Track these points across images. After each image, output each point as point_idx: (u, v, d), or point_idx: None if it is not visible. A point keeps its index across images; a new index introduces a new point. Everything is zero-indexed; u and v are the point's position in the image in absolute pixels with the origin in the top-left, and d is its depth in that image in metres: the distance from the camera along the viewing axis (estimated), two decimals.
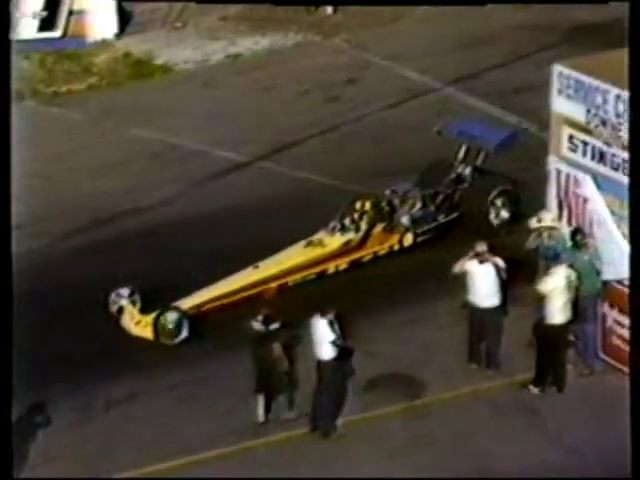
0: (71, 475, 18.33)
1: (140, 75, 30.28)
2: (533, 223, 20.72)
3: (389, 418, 19.49)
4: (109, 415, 19.78)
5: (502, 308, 20.34)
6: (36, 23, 30.98)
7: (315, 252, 22.49)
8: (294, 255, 22.49)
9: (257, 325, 19.64)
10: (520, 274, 20.60)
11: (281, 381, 19.46)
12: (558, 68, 20.63)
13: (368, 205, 22.82)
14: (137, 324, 21.17)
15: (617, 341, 20.19)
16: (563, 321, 19.75)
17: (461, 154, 23.75)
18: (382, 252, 22.96)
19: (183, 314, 21.33)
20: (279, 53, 31.07)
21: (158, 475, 18.50)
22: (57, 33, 31.18)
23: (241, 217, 24.17)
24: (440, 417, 19.55)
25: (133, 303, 21.51)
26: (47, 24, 30.90)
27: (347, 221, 22.75)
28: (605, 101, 19.90)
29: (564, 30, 29.31)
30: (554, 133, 20.67)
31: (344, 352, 19.22)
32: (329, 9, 32.47)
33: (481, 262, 19.92)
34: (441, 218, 23.35)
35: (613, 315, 20.21)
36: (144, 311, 21.27)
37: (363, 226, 22.73)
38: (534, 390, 19.86)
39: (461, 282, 20.42)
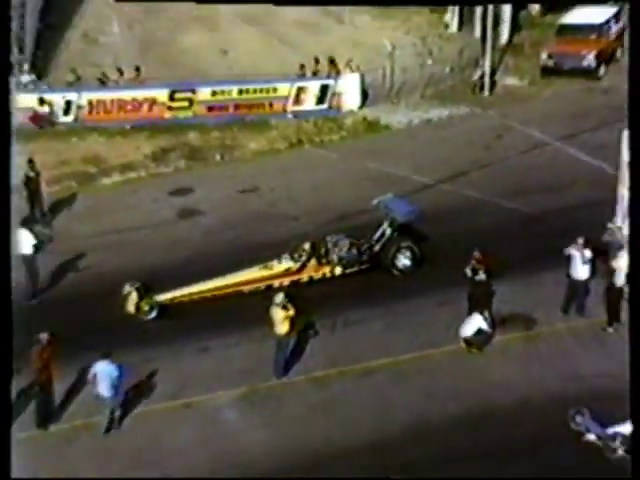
0: None
1: (371, 131, 30.37)
2: (613, 225, 20.74)
3: (514, 340, 19.67)
4: (344, 331, 20.33)
5: (589, 280, 20.20)
6: (314, 99, 31.29)
7: (264, 273, 21.43)
8: (251, 272, 21.41)
9: (479, 277, 19.81)
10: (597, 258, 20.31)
11: (477, 305, 19.64)
12: (626, 132, 20.10)
13: (307, 246, 21.65)
14: (132, 305, 20.66)
15: None
16: (622, 284, 19.54)
17: (387, 219, 22.43)
18: (317, 277, 21.77)
19: (156, 302, 20.69)
20: (454, 119, 30.78)
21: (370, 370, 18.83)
22: (325, 106, 31.19)
23: (434, 221, 23.29)
24: (547, 337, 19.67)
25: (138, 291, 20.68)
26: (320, 100, 31.15)
27: (296, 255, 21.66)
28: None
29: None
30: (623, 171, 20.48)
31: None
32: (486, 92, 31.95)
33: (579, 250, 19.93)
34: (364, 259, 22.03)
35: None
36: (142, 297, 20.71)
37: (302, 259, 21.62)
38: (609, 329, 19.70)
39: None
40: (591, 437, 16.54)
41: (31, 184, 24.92)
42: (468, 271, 20.07)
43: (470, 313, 19.71)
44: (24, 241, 21.55)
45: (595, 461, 16.22)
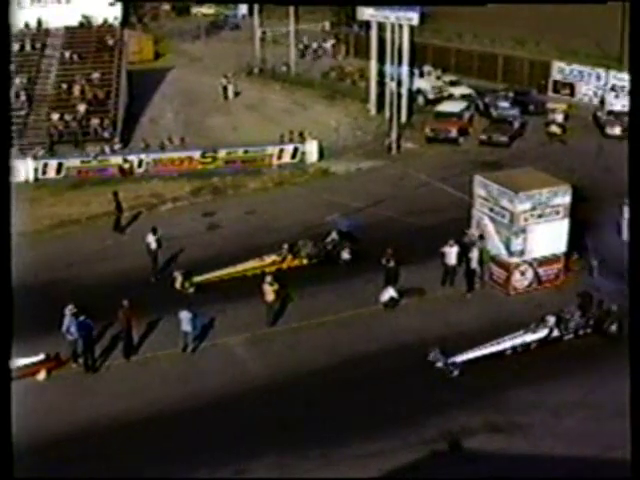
0: None
1: (325, 176, 29.19)
2: (470, 232, 20.15)
3: (412, 303, 19.52)
4: (309, 299, 19.63)
5: (457, 266, 19.95)
6: (289, 156, 30.07)
7: (260, 263, 20.55)
8: (251, 263, 20.57)
9: (390, 264, 19.38)
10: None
11: (390, 282, 19.27)
12: (477, 177, 20.63)
13: (286, 246, 20.82)
14: (179, 284, 19.82)
15: (494, 277, 19.86)
16: (475, 267, 19.73)
17: (335, 229, 21.97)
18: (293, 266, 20.82)
19: (195, 282, 19.82)
20: (375, 168, 29.62)
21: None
22: (296, 160, 29.94)
23: (364, 230, 22.60)
24: (431, 301, 19.59)
25: (183, 275, 19.91)
26: (293, 157, 29.96)
27: (279, 252, 20.81)
28: (491, 190, 19.68)
29: (479, 164, 27.61)
30: (475, 200, 20.38)
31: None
32: (394, 152, 30.79)
33: (450, 247, 19.88)
34: (321, 255, 21.18)
35: (494, 267, 19.89)
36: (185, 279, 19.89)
37: (283, 254, 20.80)
38: (468, 295, 19.56)
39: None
40: (439, 364, 16.42)
41: (117, 207, 24.89)
42: (384, 261, 19.80)
43: (385, 286, 19.54)
44: (150, 240, 21.11)
45: (442, 378, 16.17)
